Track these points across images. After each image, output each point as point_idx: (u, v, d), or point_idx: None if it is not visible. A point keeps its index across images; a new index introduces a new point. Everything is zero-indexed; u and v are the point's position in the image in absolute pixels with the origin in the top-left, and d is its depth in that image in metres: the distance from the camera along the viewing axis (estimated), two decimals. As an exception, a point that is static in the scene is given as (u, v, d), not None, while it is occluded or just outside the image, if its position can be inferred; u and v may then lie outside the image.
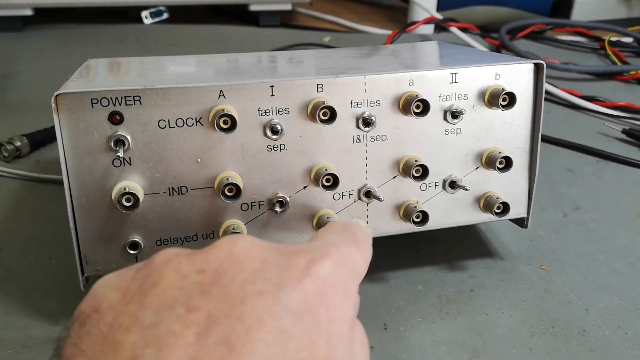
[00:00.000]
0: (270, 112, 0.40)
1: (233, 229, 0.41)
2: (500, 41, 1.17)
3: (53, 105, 0.36)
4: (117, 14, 1.47)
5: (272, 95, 0.40)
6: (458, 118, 0.43)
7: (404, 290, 0.46)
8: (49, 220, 0.56)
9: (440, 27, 1.31)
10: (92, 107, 0.37)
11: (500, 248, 0.53)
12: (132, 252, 0.40)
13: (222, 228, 0.41)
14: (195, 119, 0.39)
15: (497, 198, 0.46)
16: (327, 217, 0.42)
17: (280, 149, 0.41)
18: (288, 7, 1.39)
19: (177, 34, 1.29)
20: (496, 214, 0.46)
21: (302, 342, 0.23)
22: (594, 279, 0.49)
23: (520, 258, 0.51)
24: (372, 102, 0.42)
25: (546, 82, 0.45)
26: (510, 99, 0.43)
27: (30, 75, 1.01)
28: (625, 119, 0.86)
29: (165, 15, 1.37)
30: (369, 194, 0.43)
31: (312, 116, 0.40)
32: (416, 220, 0.44)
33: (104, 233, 0.40)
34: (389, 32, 1.32)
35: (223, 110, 0.38)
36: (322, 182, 0.41)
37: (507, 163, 0.45)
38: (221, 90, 0.39)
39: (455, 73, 0.43)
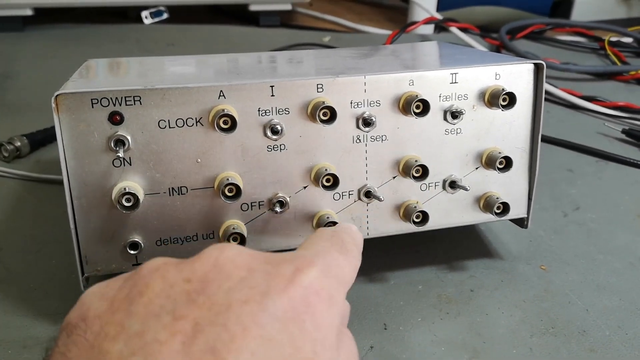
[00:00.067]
0: (271, 112, 0.40)
1: (233, 229, 0.41)
2: (500, 41, 1.17)
3: (53, 105, 0.36)
4: (117, 14, 1.47)
5: (272, 96, 0.40)
6: (458, 118, 0.43)
7: (404, 290, 0.47)
8: (49, 220, 0.56)
9: (440, 27, 1.31)
10: (92, 107, 0.37)
11: (500, 248, 0.53)
12: (132, 252, 0.40)
13: (222, 228, 0.41)
14: (196, 119, 0.39)
15: (497, 198, 0.46)
16: (327, 217, 0.42)
17: (281, 149, 0.41)
18: (288, 7, 1.39)
19: (177, 34, 1.29)
20: (496, 214, 0.46)
21: (287, 349, 0.23)
22: (593, 279, 0.49)
23: (520, 258, 0.51)
24: (372, 102, 0.42)
25: (546, 82, 0.45)
26: (510, 99, 0.43)
27: (30, 76, 1.01)
28: (625, 119, 0.86)
29: (165, 16, 1.37)
30: (369, 194, 0.43)
31: (312, 116, 0.40)
32: (416, 220, 0.44)
33: (104, 233, 0.40)
34: (388, 32, 1.32)
35: (223, 110, 0.38)
36: (322, 182, 0.41)
37: (507, 163, 0.45)
38: (221, 91, 0.39)
39: (455, 73, 0.43)
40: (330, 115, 0.40)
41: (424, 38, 1.31)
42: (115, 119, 0.37)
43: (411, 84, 0.42)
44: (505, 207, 0.46)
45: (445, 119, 0.44)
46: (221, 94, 0.39)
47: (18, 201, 0.60)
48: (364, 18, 1.54)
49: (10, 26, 1.26)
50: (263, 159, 0.41)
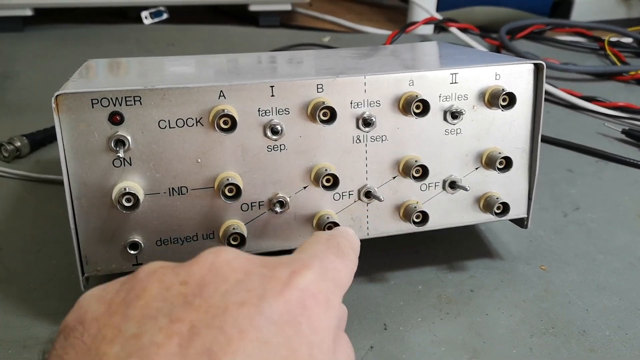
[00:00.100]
0: (271, 113, 0.40)
1: (233, 229, 0.41)
2: (499, 41, 1.17)
3: (53, 105, 0.36)
4: (117, 14, 1.47)
5: (272, 96, 0.40)
6: (458, 118, 0.43)
7: (404, 291, 0.47)
8: (49, 220, 0.56)
9: (440, 27, 1.31)
10: (93, 107, 0.37)
11: (500, 248, 0.53)
12: (132, 252, 0.40)
13: (222, 228, 0.41)
14: (196, 119, 0.39)
15: (497, 198, 0.46)
16: (327, 218, 0.42)
17: (281, 149, 0.41)
18: (288, 7, 1.39)
19: (177, 34, 1.29)
20: (496, 214, 0.46)
21: (283, 351, 0.23)
22: (593, 279, 0.49)
23: (520, 258, 0.51)
24: (372, 103, 0.42)
25: (546, 82, 0.45)
26: (510, 99, 0.44)
27: (30, 76, 1.01)
28: (625, 119, 0.86)
29: (165, 16, 1.37)
30: (369, 194, 0.43)
31: (312, 116, 0.40)
32: (416, 220, 0.44)
33: (104, 233, 0.40)
34: (388, 32, 1.32)
35: (223, 110, 0.38)
36: (322, 182, 0.41)
37: (507, 163, 0.45)
38: (221, 91, 0.39)
39: (455, 73, 0.43)
40: (330, 116, 0.40)
41: (424, 38, 1.31)
42: (116, 119, 0.37)
43: (411, 84, 0.42)
44: (505, 207, 0.46)
45: (445, 119, 0.44)
46: (221, 94, 0.39)
47: (18, 201, 0.60)
48: (363, 18, 1.54)
49: (10, 26, 1.26)
50: (263, 159, 0.41)
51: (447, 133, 0.44)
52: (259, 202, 0.42)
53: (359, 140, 0.42)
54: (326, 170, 0.41)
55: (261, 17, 1.39)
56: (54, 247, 0.51)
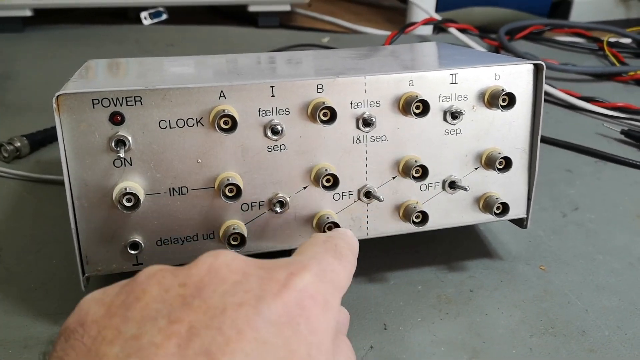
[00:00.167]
0: (271, 113, 0.40)
1: (233, 229, 0.41)
2: (499, 42, 1.17)
3: (54, 105, 0.36)
4: (117, 14, 1.47)
5: (273, 96, 0.40)
6: (458, 119, 0.44)
7: (404, 291, 0.47)
8: (49, 221, 0.56)
9: (439, 28, 1.31)
10: (93, 107, 0.37)
11: (499, 248, 0.53)
12: (132, 252, 0.40)
13: (223, 228, 0.41)
14: (196, 119, 0.39)
15: (497, 198, 0.46)
16: (327, 218, 0.43)
17: (281, 149, 0.41)
18: (287, 8, 1.39)
19: (176, 35, 1.29)
20: (496, 214, 0.46)
21: (281, 352, 0.23)
22: (593, 280, 0.49)
23: (519, 258, 0.51)
24: (372, 103, 0.42)
25: (545, 82, 0.45)
26: (510, 100, 0.44)
27: (30, 76, 1.01)
28: (624, 120, 0.86)
29: (164, 16, 1.37)
30: (369, 195, 0.43)
31: (313, 117, 0.40)
32: (416, 220, 0.44)
33: (105, 233, 0.40)
34: (387, 32, 1.32)
35: (224, 110, 0.38)
36: (322, 182, 0.41)
37: (507, 163, 0.45)
38: (222, 91, 0.39)
39: (455, 74, 0.43)
40: (331, 116, 0.40)
41: (423, 39, 1.31)
42: (116, 119, 0.38)
43: (411, 84, 0.42)
44: (504, 208, 0.46)
45: (445, 119, 0.44)
46: (222, 95, 0.39)
47: (18, 201, 0.60)
48: (362, 19, 1.54)
49: (10, 27, 1.26)
50: (263, 159, 0.41)
51: (446, 133, 0.44)
52: (259, 202, 0.42)
53: (359, 140, 0.42)
54: (326, 170, 0.41)
55: (260, 18, 1.39)
56: (54, 247, 0.51)
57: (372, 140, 0.43)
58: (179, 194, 0.40)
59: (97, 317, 0.24)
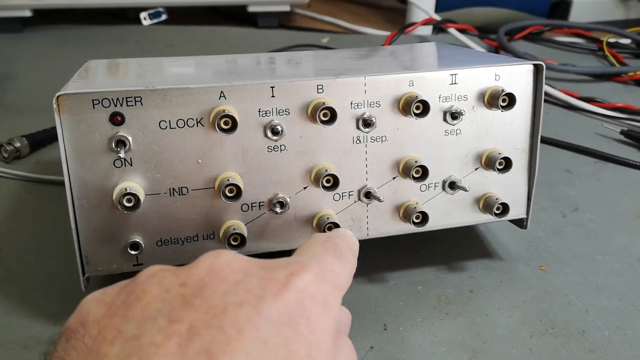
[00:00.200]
0: (271, 113, 0.40)
1: (233, 229, 0.41)
2: (498, 42, 1.17)
3: (55, 106, 0.36)
4: (116, 15, 1.47)
5: (273, 96, 0.40)
6: (458, 119, 0.44)
7: (404, 291, 0.47)
8: (49, 221, 0.56)
9: (439, 28, 1.31)
10: (94, 107, 0.37)
11: (499, 249, 0.53)
12: (132, 252, 0.40)
13: (223, 229, 0.41)
14: (196, 119, 0.39)
15: (497, 199, 0.46)
16: (327, 218, 0.43)
17: (281, 149, 0.41)
18: (286, 8, 1.39)
19: (176, 35, 1.29)
20: (496, 214, 0.46)
21: (282, 352, 0.23)
22: (592, 280, 0.49)
23: (519, 259, 0.51)
24: (372, 103, 0.42)
25: (545, 83, 0.45)
26: (510, 100, 0.44)
27: (29, 76, 1.01)
28: (623, 120, 0.86)
29: (163, 17, 1.37)
30: (369, 195, 0.43)
31: (313, 117, 0.40)
32: (416, 220, 0.44)
33: (105, 233, 0.40)
34: (387, 33, 1.32)
35: (224, 111, 0.38)
36: (322, 182, 0.41)
37: (507, 164, 0.45)
38: (222, 91, 0.39)
39: (455, 74, 0.43)
40: (331, 116, 0.40)
41: (422, 39, 1.31)
42: (116, 119, 0.38)
43: (411, 84, 0.42)
44: (504, 208, 0.46)
45: (445, 119, 0.44)
46: (222, 95, 0.39)
47: (18, 202, 0.60)
48: (362, 19, 1.54)
49: (9, 27, 1.26)
50: (263, 159, 0.41)
51: (446, 134, 0.44)
52: (259, 202, 0.42)
53: (359, 140, 0.42)
54: (326, 170, 0.41)
55: (260, 18, 1.39)
56: (54, 247, 0.51)
57: (372, 140, 0.43)
58: (179, 195, 0.40)
59: (97, 317, 0.24)
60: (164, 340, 0.22)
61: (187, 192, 0.40)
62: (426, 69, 0.43)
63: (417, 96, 0.41)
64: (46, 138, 0.72)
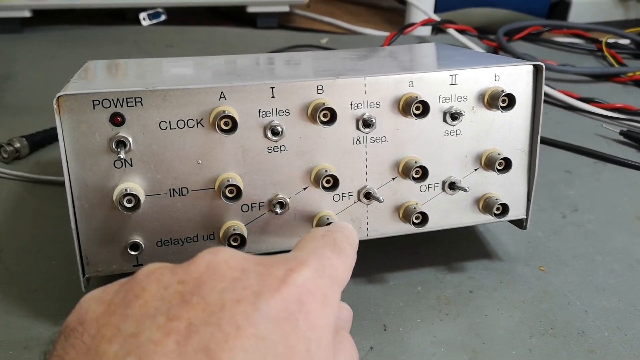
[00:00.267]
0: (271, 114, 0.40)
1: (233, 230, 0.41)
2: (497, 43, 1.17)
3: (55, 106, 0.36)
4: (115, 15, 1.47)
5: (273, 97, 0.40)
6: (457, 119, 0.44)
7: (404, 291, 0.47)
8: (49, 221, 0.56)
9: (438, 28, 1.31)
10: (94, 108, 0.37)
11: (499, 249, 0.53)
12: (133, 253, 0.40)
13: (223, 229, 0.41)
14: (196, 120, 0.39)
15: (497, 199, 0.46)
16: (327, 219, 0.43)
17: (281, 150, 0.41)
18: (285, 8, 1.39)
19: (175, 36, 1.29)
20: (495, 215, 0.46)
21: (280, 348, 0.23)
22: (592, 280, 0.49)
23: (519, 259, 0.51)
24: (372, 104, 0.42)
25: (544, 83, 0.45)
26: (510, 101, 0.44)
27: (29, 77, 1.01)
28: (623, 121, 0.86)
29: (163, 17, 1.37)
30: (368, 195, 0.43)
31: (313, 117, 0.40)
32: (416, 221, 0.44)
33: (105, 234, 0.40)
34: (386, 33, 1.32)
35: (224, 111, 0.38)
36: (322, 183, 0.41)
37: (507, 164, 0.45)
38: (222, 92, 0.39)
39: (455, 75, 0.43)
40: (331, 117, 0.40)
41: (422, 40, 1.31)
42: (117, 120, 0.38)
43: (411, 85, 0.42)
44: (504, 208, 0.46)
45: (444, 120, 0.44)
46: (222, 95, 0.39)
47: (18, 202, 0.60)
48: (361, 20, 1.54)
49: (9, 28, 1.26)
50: (263, 160, 0.41)
51: (446, 134, 0.44)
52: (259, 203, 0.42)
53: (359, 141, 0.43)
54: (326, 171, 0.41)
55: (259, 19, 1.39)
56: (54, 247, 0.51)
57: (372, 141, 0.43)
58: (179, 195, 0.40)
59: (96, 315, 0.24)
60: (162, 337, 0.22)
61: (187, 192, 0.40)
62: (426, 70, 0.43)
63: (417, 97, 0.41)
64: (46, 138, 0.72)
